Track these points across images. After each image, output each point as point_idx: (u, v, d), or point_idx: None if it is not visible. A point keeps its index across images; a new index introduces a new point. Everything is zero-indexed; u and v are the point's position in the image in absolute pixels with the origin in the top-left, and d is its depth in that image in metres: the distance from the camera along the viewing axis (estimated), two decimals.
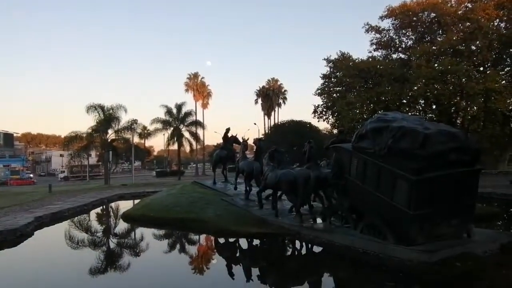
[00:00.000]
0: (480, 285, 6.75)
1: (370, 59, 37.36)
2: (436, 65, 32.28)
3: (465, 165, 8.14)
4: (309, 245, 10.17)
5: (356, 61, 36.59)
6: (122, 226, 14.66)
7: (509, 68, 34.36)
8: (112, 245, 12.07)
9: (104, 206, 21.36)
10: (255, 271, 8.59)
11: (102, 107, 38.15)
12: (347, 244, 9.30)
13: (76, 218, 16.49)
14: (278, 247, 10.58)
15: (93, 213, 18.63)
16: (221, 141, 18.30)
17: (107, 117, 38.15)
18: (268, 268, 8.85)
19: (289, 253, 10.27)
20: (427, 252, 7.67)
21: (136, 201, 20.61)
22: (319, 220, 11.55)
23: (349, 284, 7.32)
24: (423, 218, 7.95)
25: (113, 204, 22.41)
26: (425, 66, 30.80)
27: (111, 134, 39.64)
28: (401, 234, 8.21)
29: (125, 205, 20.08)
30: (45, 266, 9.31)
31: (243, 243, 10.89)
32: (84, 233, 13.79)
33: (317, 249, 9.90)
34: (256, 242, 10.95)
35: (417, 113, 33.13)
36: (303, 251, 10.08)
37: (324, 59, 38.08)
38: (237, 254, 10.29)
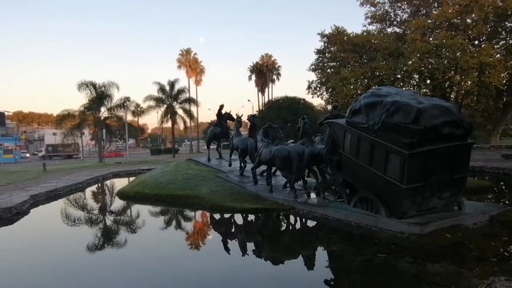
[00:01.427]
0: (469, 255, 6.93)
1: (365, 33, 36.92)
2: (431, 39, 32.01)
3: (458, 139, 8.19)
4: (303, 220, 10.33)
5: (351, 35, 36.15)
6: (117, 203, 14.75)
7: (504, 41, 34.15)
8: (108, 222, 12.16)
9: (99, 184, 21.43)
10: (250, 246, 8.75)
11: (94, 85, 37.56)
12: (341, 218, 9.47)
13: (72, 196, 16.56)
14: (273, 222, 10.71)
15: (88, 191, 18.69)
16: (215, 118, 18.19)
17: (99, 95, 37.66)
18: (263, 243, 9.01)
19: (283, 227, 10.41)
20: (418, 224, 7.83)
21: (131, 178, 20.66)
22: (313, 195, 11.68)
23: (342, 257, 7.47)
24: (415, 191, 8.07)
25: (108, 182, 22.48)
26: (420, 40, 30.55)
27: (104, 112, 39.32)
28: (394, 207, 8.35)
29: (120, 183, 20.16)
30: (41, 244, 9.38)
31: (238, 218, 11.01)
32: (80, 210, 13.85)
33: (311, 223, 10.05)
34: (251, 217, 11.08)
35: (411, 88, 33.08)
36: (297, 226, 10.25)
37: (318, 33, 37.65)
38: (232, 230, 10.43)
